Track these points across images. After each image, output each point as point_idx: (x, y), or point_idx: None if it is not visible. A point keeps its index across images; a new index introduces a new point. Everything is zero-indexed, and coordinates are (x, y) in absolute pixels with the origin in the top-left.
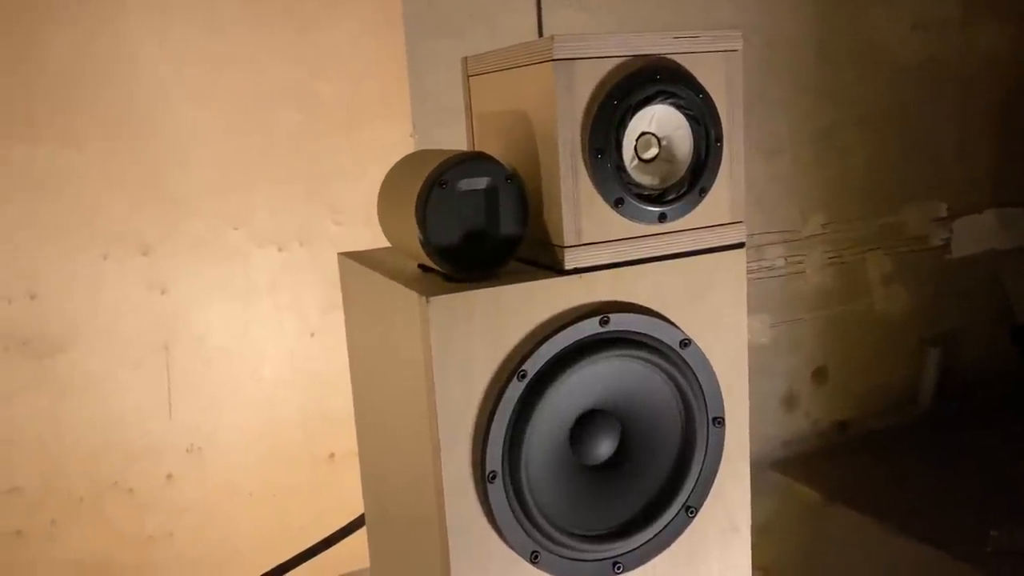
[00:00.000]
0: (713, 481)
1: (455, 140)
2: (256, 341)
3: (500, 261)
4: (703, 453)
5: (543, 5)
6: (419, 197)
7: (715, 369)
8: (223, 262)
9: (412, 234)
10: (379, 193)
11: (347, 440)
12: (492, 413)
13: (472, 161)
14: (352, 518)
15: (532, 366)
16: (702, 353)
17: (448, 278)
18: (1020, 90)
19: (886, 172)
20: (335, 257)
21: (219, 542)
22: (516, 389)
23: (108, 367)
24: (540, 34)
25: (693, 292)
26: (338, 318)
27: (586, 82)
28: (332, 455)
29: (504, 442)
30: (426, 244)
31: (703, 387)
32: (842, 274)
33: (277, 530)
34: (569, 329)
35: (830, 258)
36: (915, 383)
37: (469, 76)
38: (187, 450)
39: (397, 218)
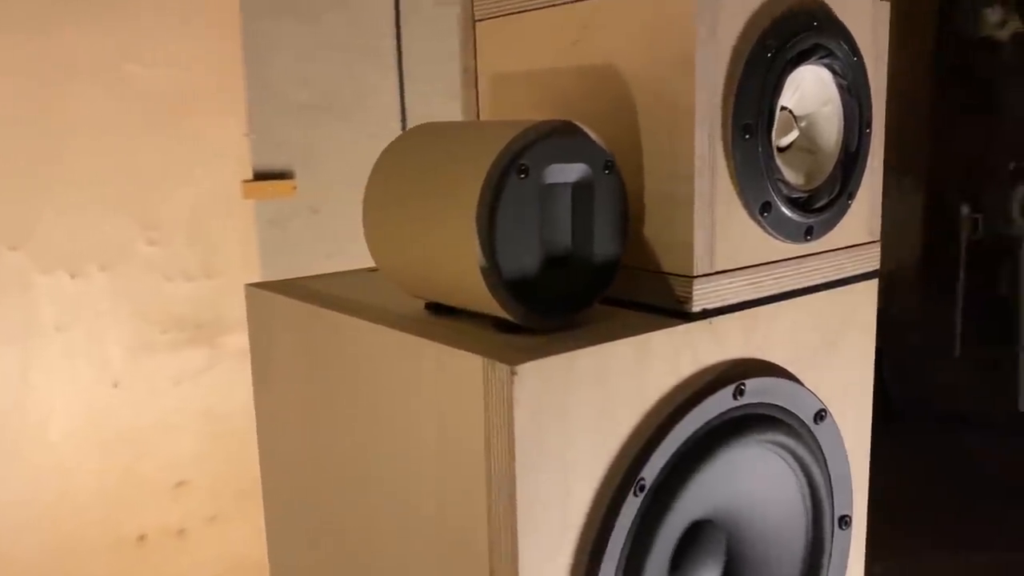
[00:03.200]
0: None
1: (306, 140)
2: (40, 395)
3: (589, 300)
4: (827, 567)
5: None
6: (484, 192)
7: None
8: None
9: (455, 253)
10: (370, 184)
11: (162, 516)
12: (600, 549)
13: (562, 136)
14: None
15: (651, 470)
16: (836, 429)
17: (508, 327)
18: None
19: None
20: (147, 284)
21: None
22: (632, 507)
23: None
24: (397, 15)
25: (823, 341)
26: (150, 363)
27: (733, 22)
28: (143, 537)
29: None
30: (492, 271)
31: (831, 475)
32: None
33: None
34: (700, 407)
35: None
36: None
37: (477, 21)
38: None
39: (418, 226)
